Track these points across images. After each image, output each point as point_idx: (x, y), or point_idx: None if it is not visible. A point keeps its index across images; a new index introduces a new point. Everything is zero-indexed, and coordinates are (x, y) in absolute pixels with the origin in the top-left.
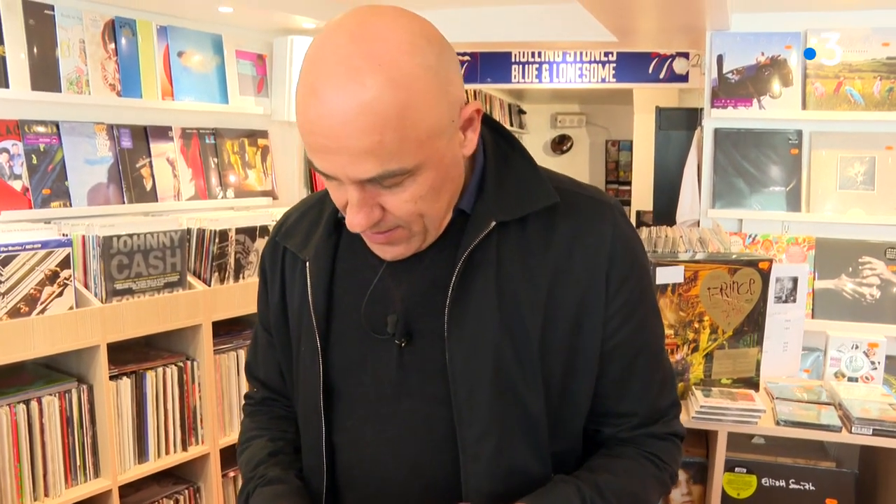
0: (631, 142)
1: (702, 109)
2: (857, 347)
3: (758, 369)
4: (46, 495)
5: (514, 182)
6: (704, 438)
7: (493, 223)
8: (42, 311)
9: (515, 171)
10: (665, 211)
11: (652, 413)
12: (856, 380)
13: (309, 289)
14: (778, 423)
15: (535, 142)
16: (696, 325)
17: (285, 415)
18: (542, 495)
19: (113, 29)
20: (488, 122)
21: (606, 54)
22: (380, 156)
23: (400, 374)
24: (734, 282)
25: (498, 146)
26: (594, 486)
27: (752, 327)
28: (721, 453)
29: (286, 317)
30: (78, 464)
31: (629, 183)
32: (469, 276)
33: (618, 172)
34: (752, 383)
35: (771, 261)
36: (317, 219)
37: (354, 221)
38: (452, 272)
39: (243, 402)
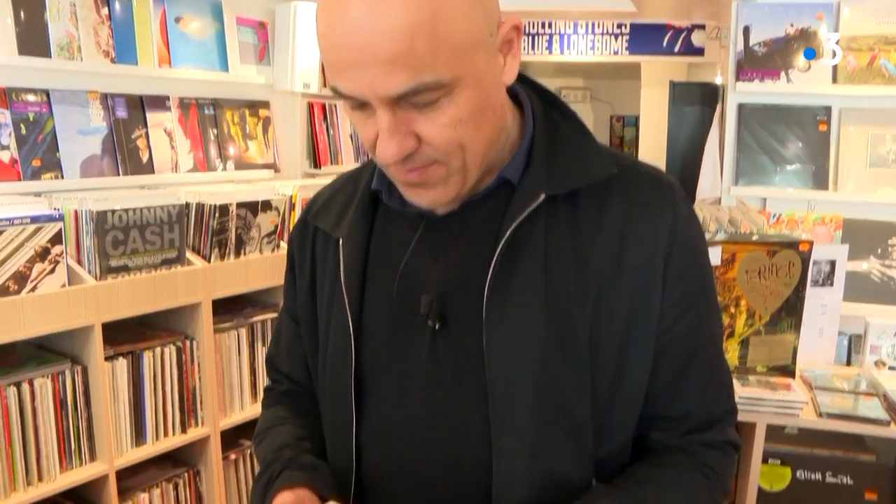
0: (636, 117)
1: (720, 85)
2: None
3: (794, 356)
4: (40, 480)
5: (566, 152)
6: (736, 428)
7: (543, 196)
8: (33, 290)
9: (568, 141)
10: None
11: (706, 418)
12: None
13: (342, 268)
14: (820, 416)
15: None
16: (733, 310)
17: (311, 409)
18: None
19: None
20: (538, 91)
21: (619, 26)
22: (412, 65)
23: (433, 362)
24: (773, 264)
25: (549, 115)
26: (639, 502)
27: (789, 312)
28: (759, 447)
29: (315, 304)
30: (73, 448)
31: None
32: (513, 255)
33: (622, 148)
34: (788, 371)
35: (811, 242)
36: (351, 195)
37: (387, 151)
38: (494, 249)
39: (262, 395)
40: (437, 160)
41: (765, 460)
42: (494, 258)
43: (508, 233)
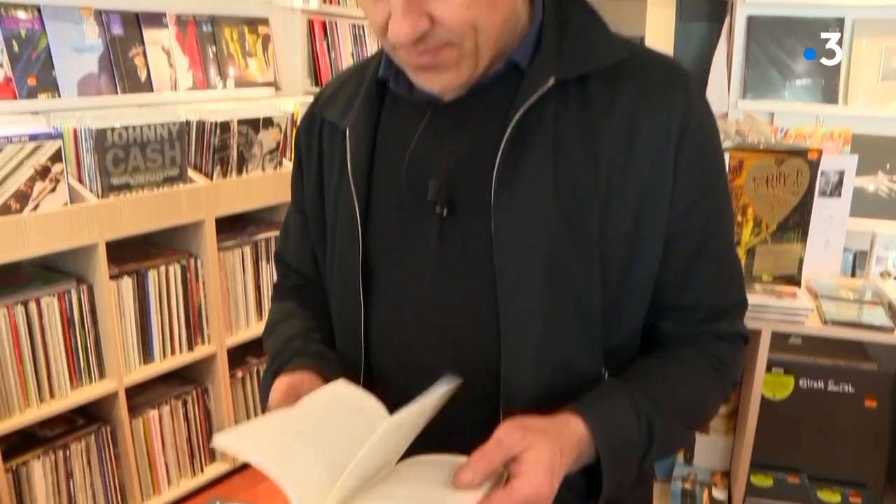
0: (641, 38)
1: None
2: None
3: (800, 266)
4: (52, 397)
5: (576, 36)
6: None
7: (552, 80)
8: (35, 209)
9: (578, 26)
10: None
11: (717, 308)
12: None
13: (349, 158)
14: (825, 323)
15: None
16: (739, 218)
17: (320, 301)
18: (592, 402)
19: None
20: None
21: None
22: None
23: (440, 249)
24: (781, 172)
25: (559, 0)
26: (650, 397)
27: (796, 222)
28: (763, 355)
29: (322, 196)
30: (82, 365)
31: None
32: (522, 140)
33: None
34: (794, 280)
35: (820, 150)
36: (358, 86)
37: (400, 32)
38: (503, 134)
39: (272, 291)
40: (450, 42)
41: (768, 369)
42: (503, 143)
43: (517, 117)
